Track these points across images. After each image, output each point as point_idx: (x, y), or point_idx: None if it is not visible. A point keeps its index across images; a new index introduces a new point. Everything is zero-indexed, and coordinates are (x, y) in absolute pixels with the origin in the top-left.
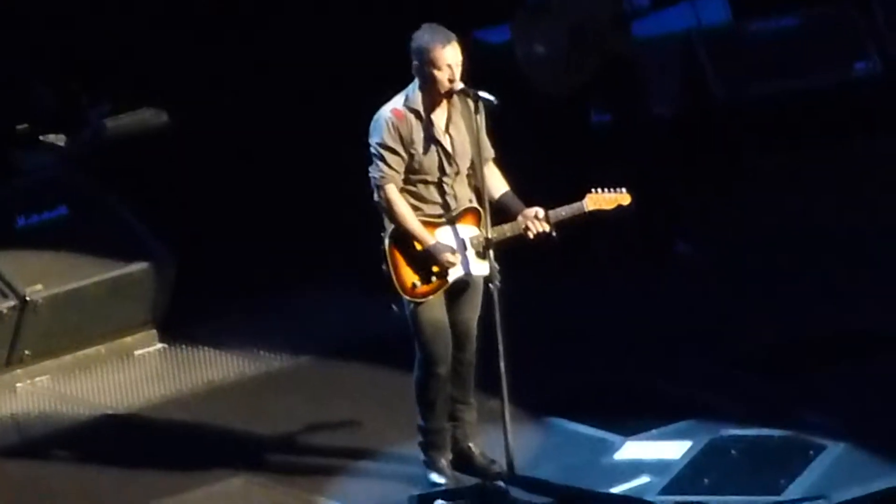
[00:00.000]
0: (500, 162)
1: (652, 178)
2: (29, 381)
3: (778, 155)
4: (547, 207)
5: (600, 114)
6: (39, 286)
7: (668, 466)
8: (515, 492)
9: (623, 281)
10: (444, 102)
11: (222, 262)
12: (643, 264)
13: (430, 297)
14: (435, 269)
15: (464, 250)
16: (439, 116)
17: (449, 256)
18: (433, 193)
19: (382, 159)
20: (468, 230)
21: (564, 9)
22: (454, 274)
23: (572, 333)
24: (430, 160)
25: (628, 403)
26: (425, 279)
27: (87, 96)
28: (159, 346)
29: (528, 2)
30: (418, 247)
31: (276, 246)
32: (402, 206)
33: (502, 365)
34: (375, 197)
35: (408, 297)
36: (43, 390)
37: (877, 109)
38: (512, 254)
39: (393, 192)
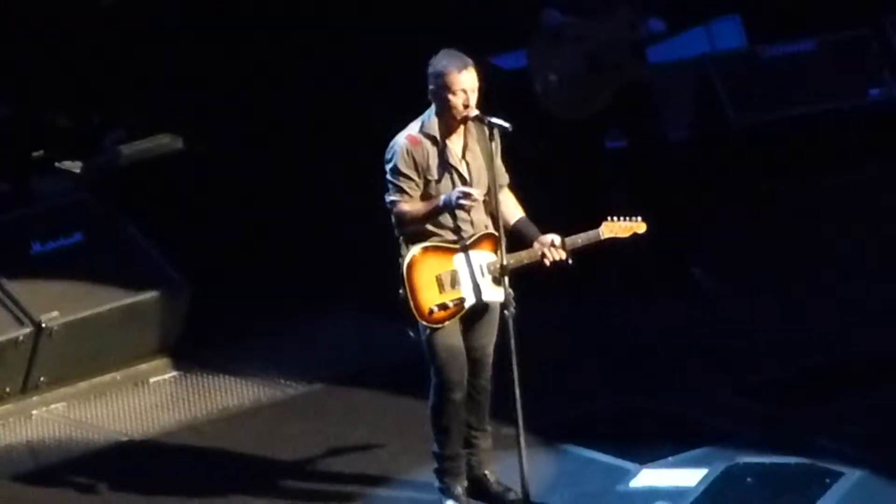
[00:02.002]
0: (515, 188)
1: (666, 204)
2: (44, 408)
3: (792, 180)
4: (563, 234)
5: (615, 139)
6: (55, 313)
7: (683, 494)
8: None
9: (638, 307)
10: (461, 128)
11: (237, 289)
12: (658, 290)
13: (447, 322)
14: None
15: (480, 277)
16: (455, 142)
17: (461, 189)
18: (449, 219)
19: (398, 185)
20: (484, 256)
21: (581, 36)
22: (470, 300)
23: (587, 360)
24: (446, 186)
25: (644, 431)
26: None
27: (102, 122)
28: (174, 372)
29: (545, 29)
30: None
31: (290, 272)
32: (412, 206)
33: (517, 391)
34: (393, 220)
35: (424, 323)
36: (58, 417)
37: (892, 135)
38: (526, 279)
39: (404, 204)
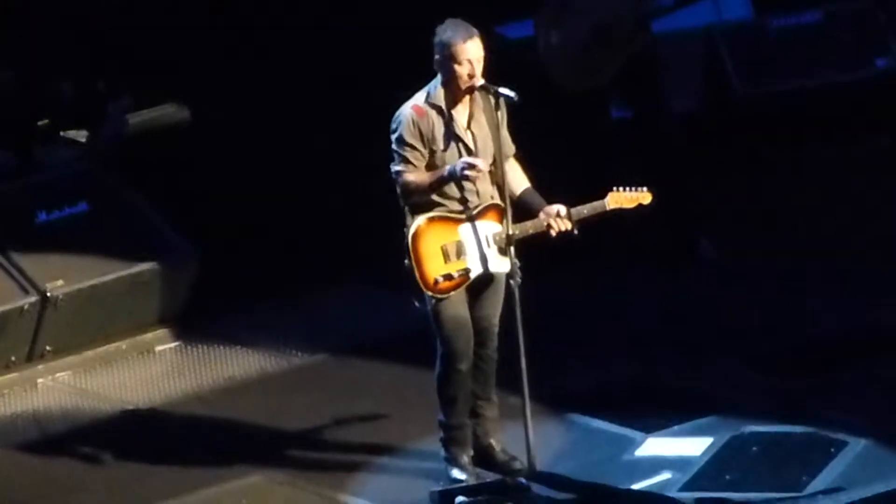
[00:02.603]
0: (521, 158)
1: (672, 175)
2: (50, 377)
3: (798, 151)
4: (568, 204)
5: (621, 110)
6: (60, 282)
7: (688, 463)
8: (537, 488)
9: (645, 278)
10: (466, 99)
11: (243, 259)
12: (665, 261)
13: (452, 293)
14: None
15: (485, 247)
16: (461, 113)
17: (466, 160)
18: (455, 190)
19: (403, 156)
20: (490, 227)
21: (589, 7)
22: (475, 270)
23: (594, 330)
24: (452, 156)
25: (649, 400)
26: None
27: (108, 92)
28: (180, 341)
29: (552, 1)
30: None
31: (296, 242)
32: (417, 176)
33: (523, 361)
34: (398, 191)
35: (430, 293)
36: (64, 386)
37: None
38: (532, 250)
39: (409, 174)
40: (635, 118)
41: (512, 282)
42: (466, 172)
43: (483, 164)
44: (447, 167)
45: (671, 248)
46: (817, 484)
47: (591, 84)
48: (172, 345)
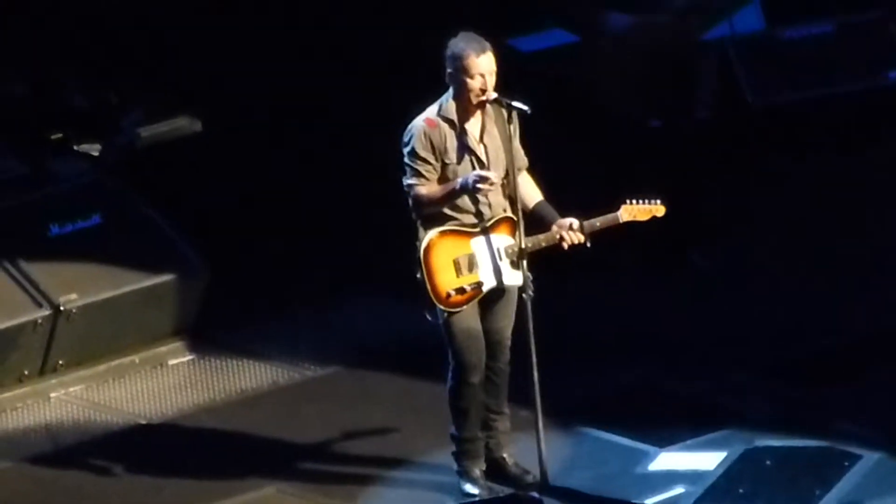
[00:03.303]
0: (534, 171)
1: (685, 184)
2: (63, 391)
3: (810, 162)
4: (581, 216)
5: (646, 119)
6: (73, 295)
7: (702, 477)
8: (549, 501)
9: (656, 290)
10: (478, 112)
11: (255, 271)
12: (658, 271)
13: (465, 306)
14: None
15: (497, 260)
16: (473, 125)
17: (478, 173)
18: (468, 203)
19: (415, 169)
20: (502, 240)
21: (643, 34)
22: (488, 284)
23: (606, 343)
24: (465, 169)
25: (662, 413)
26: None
27: (120, 104)
28: (192, 354)
29: (608, 33)
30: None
31: (308, 254)
32: (429, 189)
33: (535, 374)
34: (410, 204)
35: (442, 306)
36: (76, 399)
37: None
38: (542, 263)
39: (421, 187)
40: (661, 127)
41: (524, 295)
42: (479, 186)
43: (495, 176)
44: (459, 179)
45: (663, 258)
46: (831, 498)
47: (644, 104)
48: (185, 358)
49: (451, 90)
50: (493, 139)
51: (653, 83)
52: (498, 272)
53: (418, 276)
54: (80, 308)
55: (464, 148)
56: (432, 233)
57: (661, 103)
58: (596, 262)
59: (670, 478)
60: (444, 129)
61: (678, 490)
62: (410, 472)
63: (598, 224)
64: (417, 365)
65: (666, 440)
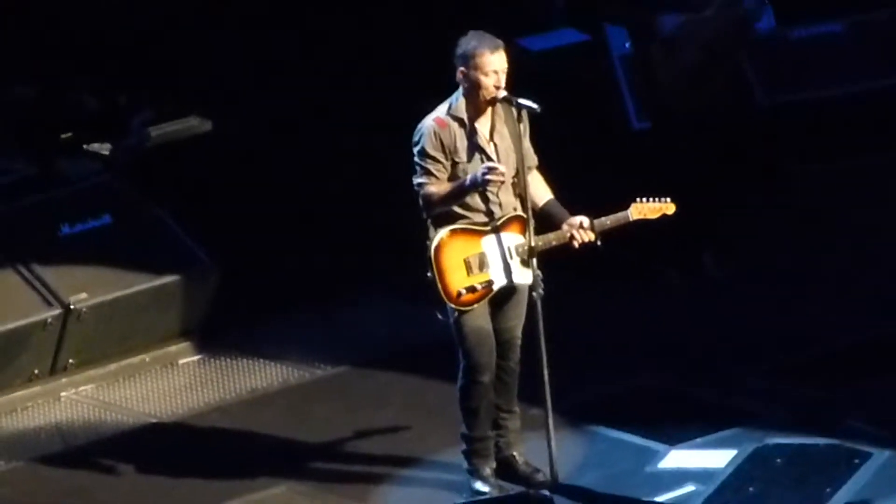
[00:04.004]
0: (543, 170)
1: (693, 184)
2: (73, 390)
3: (820, 161)
4: (591, 215)
5: (642, 121)
6: (83, 295)
7: (712, 475)
8: (559, 500)
9: (665, 289)
10: (489, 110)
11: (265, 271)
12: (666, 274)
13: (475, 305)
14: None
15: (508, 259)
16: (483, 124)
17: (489, 164)
18: (478, 201)
19: (425, 168)
20: (513, 238)
21: (695, 32)
22: (498, 282)
23: (616, 342)
24: (474, 168)
25: (672, 412)
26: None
27: (130, 104)
28: (202, 354)
29: (661, 34)
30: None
31: (318, 253)
32: (439, 188)
33: (546, 373)
34: (420, 203)
35: (453, 305)
36: (87, 399)
37: None
38: (552, 262)
39: (431, 186)
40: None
41: (535, 293)
42: (488, 177)
43: (504, 168)
44: (468, 176)
45: (674, 261)
46: (841, 496)
47: (699, 102)
48: (195, 357)
49: (460, 89)
50: (503, 138)
51: (711, 80)
52: (508, 271)
53: (429, 275)
54: (91, 308)
55: (474, 147)
56: (443, 232)
57: (718, 98)
58: (607, 262)
59: (680, 476)
60: (454, 128)
61: (688, 488)
62: (421, 470)
63: (608, 223)
64: (428, 364)
65: (676, 439)
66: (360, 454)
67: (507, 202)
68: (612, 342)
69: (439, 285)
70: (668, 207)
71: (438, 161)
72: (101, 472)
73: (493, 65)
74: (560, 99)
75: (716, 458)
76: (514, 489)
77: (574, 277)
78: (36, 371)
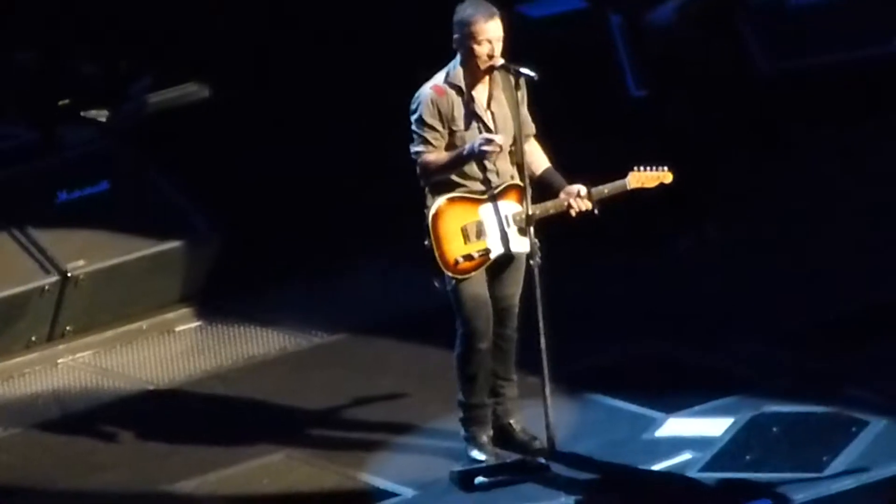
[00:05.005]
0: (541, 137)
1: (693, 153)
2: (70, 357)
3: (821, 128)
4: (589, 184)
5: (640, 88)
6: (81, 262)
7: (709, 443)
8: (556, 468)
9: (663, 257)
10: (486, 78)
11: (263, 238)
12: (668, 243)
13: (473, 273)
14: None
15: (505, 227)
16: (481, 92)
17: (487, 136)
18: (475, 170)
19: (422, 136)
20: (510, 207)
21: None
22: (496, 251)
23: (613, 309)
24: (472, 136)
25: (670, 379)
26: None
27: (129, 70)
28: (200, 321)
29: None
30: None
31: (316, 221)
32: (436, 156)
33: (543, 341)
34: (418, 171)
35: (450, 273)
36: (84, 366)
37: None
38: (551, 230)
39: (429, 154)
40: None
41: (532, 262)
42: (484, 148)
43: (501, 139)
44: (466, 145)
45: (676, 230)
46: (838, 464)
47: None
48: (193, 324)
49: (458, 57)
50: (501, 106)
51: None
52: (506, 239)
53: (426, 243)
54: (88, 274)
55: (471, 115)
56: (440, 200)
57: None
58: (605, 230)
59: (678, 444)
60: (452, 96)
61: (685, 456)
62: (418, 438)
63: (605, 191)
64: (425, 332)
65: (673, 407)
66: (358, 421)
67: (504, 170)
68: (609, 310)
69: (437, 253)
70: (665, 176)
71: (436, 129)
72: (98, 439)
73: (487, 33)
74: (558, 66)
75: (713, 426)
76: (511, 457)
77: (572, 245)
78: (33, 338)
